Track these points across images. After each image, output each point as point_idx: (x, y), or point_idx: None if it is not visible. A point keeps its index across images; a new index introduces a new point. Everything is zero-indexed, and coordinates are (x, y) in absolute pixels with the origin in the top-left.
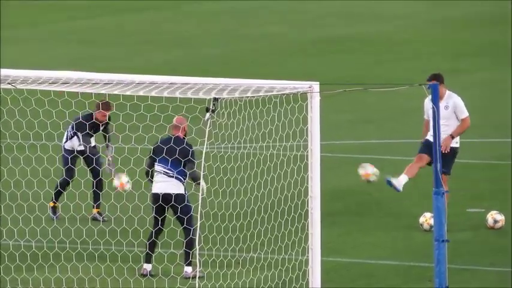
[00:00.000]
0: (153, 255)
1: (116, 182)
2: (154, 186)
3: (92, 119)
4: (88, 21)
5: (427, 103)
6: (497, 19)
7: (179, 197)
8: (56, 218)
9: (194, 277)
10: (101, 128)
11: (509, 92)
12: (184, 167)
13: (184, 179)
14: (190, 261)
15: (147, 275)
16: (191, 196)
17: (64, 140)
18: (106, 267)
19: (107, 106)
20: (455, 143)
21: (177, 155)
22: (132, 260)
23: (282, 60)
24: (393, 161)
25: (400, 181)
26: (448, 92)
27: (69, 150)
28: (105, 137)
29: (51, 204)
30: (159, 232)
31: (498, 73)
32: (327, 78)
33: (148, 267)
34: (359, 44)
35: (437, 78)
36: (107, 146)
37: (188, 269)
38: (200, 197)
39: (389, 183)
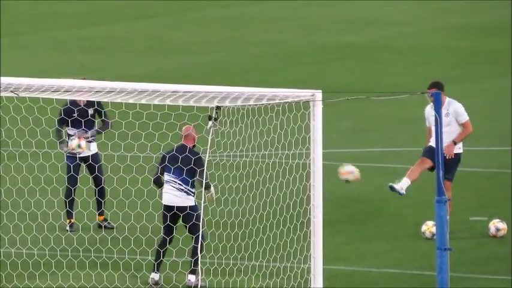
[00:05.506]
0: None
1: (74, 143)
2: (164, 196)
3: (78, 105)
4: (91, 28)
5: (428, 110)
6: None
7: (186, 209)
8: (71, 230)
9: (196, 286)
10: (90, 113)
11: (510, 101)
12: (188, 175)
13: (189, 188)
14: (196, 269)
15: (155, 284)
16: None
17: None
18: (108, 275)
19: None
20: (459, 148)
21: (179, 163)
22: (134, 268)
23: (284, 68)
24: (396, 169)
25: (402, 184)
26: (448, 99)
27: (70, 156)
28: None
29: (68, 221)
30: (163, 242)
31: (500, 82)
32: (328, 85)
33: (155, 276)
34: (360, 51)
35: (438, 86)
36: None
37: (192, 277)
38: (202, 205)
39: (392, 188)
